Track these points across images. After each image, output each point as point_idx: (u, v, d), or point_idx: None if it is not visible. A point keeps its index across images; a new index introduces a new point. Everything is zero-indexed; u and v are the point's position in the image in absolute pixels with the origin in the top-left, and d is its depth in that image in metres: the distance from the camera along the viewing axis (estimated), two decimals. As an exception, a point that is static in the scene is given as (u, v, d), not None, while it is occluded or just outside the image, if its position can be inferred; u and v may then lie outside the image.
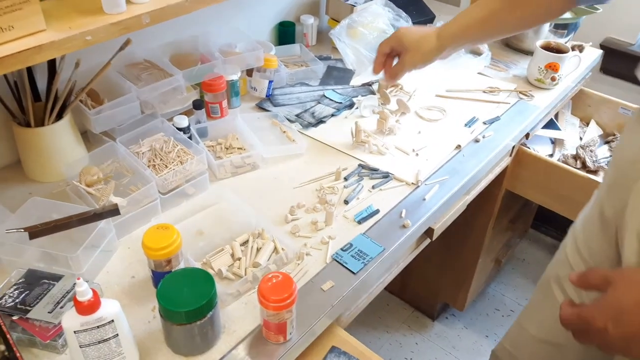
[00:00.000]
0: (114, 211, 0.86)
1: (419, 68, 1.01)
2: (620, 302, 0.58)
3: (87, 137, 1.13)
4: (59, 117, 1.01)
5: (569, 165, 1.51)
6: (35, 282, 0.79)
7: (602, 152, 1.58)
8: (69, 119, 1.02)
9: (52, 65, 0.99)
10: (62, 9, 0.77)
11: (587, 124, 1.71)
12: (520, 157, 1.44)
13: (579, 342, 0.63)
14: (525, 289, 2.01)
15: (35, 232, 0.82)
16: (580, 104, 1.73)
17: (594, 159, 1.53)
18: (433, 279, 1.81)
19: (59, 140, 1.01)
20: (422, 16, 1.66)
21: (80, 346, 0.68)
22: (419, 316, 1.91)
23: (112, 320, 0.68)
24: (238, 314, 0.82)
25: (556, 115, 1.71)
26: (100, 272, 0.87)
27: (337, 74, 1.46)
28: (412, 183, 1.11)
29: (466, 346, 1.82)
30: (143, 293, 0.84)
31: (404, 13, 1.52)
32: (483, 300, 1.96)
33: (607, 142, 1.65)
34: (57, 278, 0.80)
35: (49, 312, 0.75)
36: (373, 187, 1.09)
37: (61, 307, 0.76)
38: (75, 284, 0.65)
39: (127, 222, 0.93)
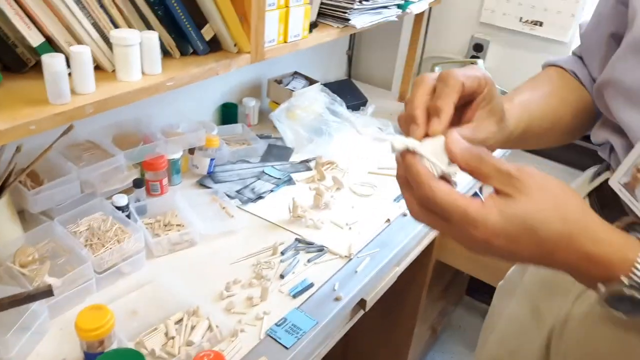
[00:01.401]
0: (47, 292, 0.86)
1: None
2: (531, 222, 0.44)
3: (24, 217, 1.13)
4: (-4, 197, 1.01)
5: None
6: (-41, 369, 0.77)
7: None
8: (6, 199, 1.03)
9: (-8, 147, 1.01)
10: (8, 99, 0.81)
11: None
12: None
13: (420, 221, 0.50)
14: (463, 356, 2.06)
15: (-38, 315, 0.81)
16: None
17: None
18: (372, 350, 1.84)
19: (-6, 220, 1.01)
20: (355, 100, 1.80)
21: None
22: (361, 387, 1.92)
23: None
24: (170, 394, 0.82)
25: (480, 189, 1.85)
26: (30, 355, 0.86)
27: (277, 152, 1.55)
28: (345, 256, 1.17)
29: (408, 417, 1.83)
30: (73, 376, 0.83)
31: (338, 97, 1.65)
32: (423, 368, 2.00)
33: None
34: (-17, 363, 0.78)
35: (-29, 400, 0.73)
36: (308, 261, 1.15)
37: (-15, 394, 0.74)
38: (2, 369, 0.65)
39: (61, 303, 0.93)
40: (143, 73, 0.95)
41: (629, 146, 0.59)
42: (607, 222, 0.48)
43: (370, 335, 1.80)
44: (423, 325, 1.76)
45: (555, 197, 0.46)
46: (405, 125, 0.52)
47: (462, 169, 0.48)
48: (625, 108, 0.60)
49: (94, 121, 1.25)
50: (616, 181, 0.58)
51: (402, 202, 1.38)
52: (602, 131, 0.67)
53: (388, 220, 1.31)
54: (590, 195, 0.69)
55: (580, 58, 0.77)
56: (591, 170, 0.74)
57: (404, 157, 0.49)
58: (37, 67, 0.85)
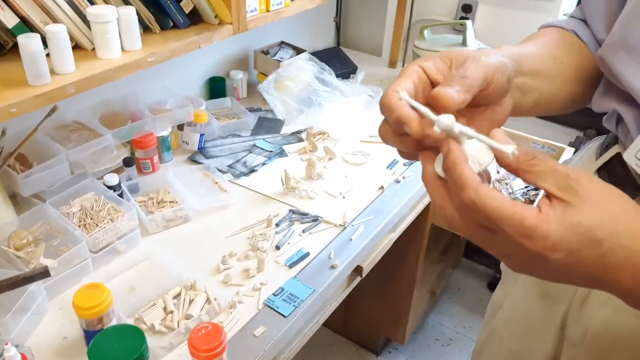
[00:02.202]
0: (44, 273, 0.87)
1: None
2: (595, 233, 0.39)
3: (17, 200, 1.13)
4: (-14, 182, 1.01)
5: (487, 197, 1.63)
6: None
7: (518, 184, 1.72)
8: (-3, 184, 1.03)
9: (-23, 132, 1.00)
10: (-14, 83, 0.80)
11: (503, 158, 1.86)
12: (442, 193, 1.55)
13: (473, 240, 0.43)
14: (462, 317, 2.10)
15: (-39, 301, 0.81)
16: (495, 140, 1.89)
17: (510, 190, 1.67)
18: (373, 315, 1.87)
19: (-14, 206, 1.01)
20: (345, 68, 1.78)
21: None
22: (363, 353, 1.96)
23: (42, 384, 0.69)
24: (171, 366, 0.84)
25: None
26: (31, 335, 0.87)
27: (268, 124, 1.54)
28: (340, 225, 1.18)
29: (410, 378, 1.88)
30: (75, 354, 0.84)
31: (327, 66, 1.63)
32: (423, 331, 2.03)
33: (521, 174, 1.80)
34: (-16, 346, 0.79)
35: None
36: (303, 231, 1.15)
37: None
38: (3, 349, 0.66)
39: (58, 283, 0.94)
40: (123, 50, 0.94)
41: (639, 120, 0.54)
42: None
43: (370, 301, 1.82)
44: (422, 288, 1.78)
45: (621, 206, 0.39)
46: (395, 128, 0.44)
47: (510, 168, 0.40)
48: None
49: (80, 101, 1.24)
50: (633, 155, 0.53)
51: (395, 168, 1.38)
52: (607, 99, 0.61)
53: (381, 187, 1.31)
54: (599, 171, 0.63)
55: (582, 21, 0.69)
56: (596, 143, 0.68)
57: (445, 154, 0.41)
58: (15, 49, 0.84)
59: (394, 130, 0.45)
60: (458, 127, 0.41)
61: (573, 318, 0.65)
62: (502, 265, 0.84)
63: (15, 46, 0.85)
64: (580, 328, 0.63)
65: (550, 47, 0.62)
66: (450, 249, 1.93)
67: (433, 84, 0.46)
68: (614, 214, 0.39)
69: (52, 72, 0.83)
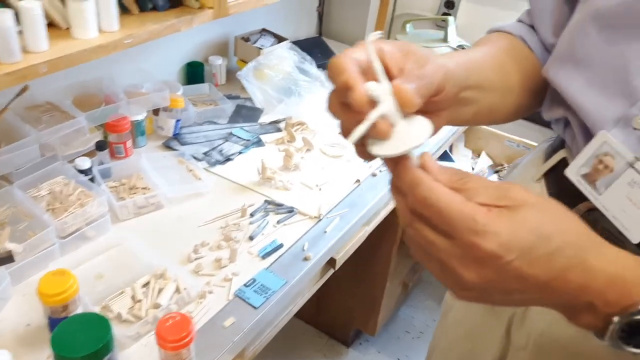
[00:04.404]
0: (7, 259, 0.85)
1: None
2: (543, 229, 0.38)
3: (-17, 182, 1.10)
4: (-50, 162, 0.98)
5: (462, 194, 1.65)
6: None
7: (491, 181, 1.75)
8: (-39, 164, 1.00)
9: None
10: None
11: (479, 156, 1.88)
12: (417, 189, 1.56)
13: (418, 259, 0.44)
14: (433, 311, 2.13)
15: None
16: (472, 137, 1.91)
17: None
18: (345, 306, 1.88)
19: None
20: (326, 58, 1.77)
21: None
22: (334, 344, 1.97)
23: (1, 372, 0.67)
24: (138, 356, 0.83)
25: (450, 148, 1.86)
26: (-7, 322, 0.85)
27: (246, 112, 1.52)
28: (315, 217, 1.17)
29: (380, 370, 1.90)
30: (39, 341, 0.83)
31: (308, 56, 1.62)
32: (394, 324, 2.05)
33: (496, 172, 1.82)
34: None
35: None
36: (278, 222, 1.14)
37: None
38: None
39: (24, 268, 0.91)
40: (100, 30, 0.91)
41: (588, 131, 0.53)
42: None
43: (343, 292, 1.83)
44: (394, 280, 1.79)
45: (559, 208, 0.40)
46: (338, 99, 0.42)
47: None
48: (588, 91, 0.52)
49: (54, 81, 1.20)
50: (575, 171, 0.52)
51: (372, 162, 1.38)
52: (555, 107, 0.60)
53: (358, 180, 1.31)
54: (545, 175, 0.63)
55: (530, 26, 0.68)
56: (545, 145, 0.67)
57: (395, 162, 0.42)
58: (-16, 24, 0.80)
59: (339, 98, 0.42)
60: (383, 109, 0.40)
61: (517, 324, 0.65)
62: None
63: (-15, 22, 0.82)
64: (524, 333, 0.64)
65: (500, 56, 0.60)
66: (424, 244, 1.95)
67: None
68: (555, 214, 0.40)
69: (25, 50, 0.80)
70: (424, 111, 0.44)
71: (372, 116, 0.40)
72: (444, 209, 0.38)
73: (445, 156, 1.75)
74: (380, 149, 0.42)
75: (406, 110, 0.41)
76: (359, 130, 0.41)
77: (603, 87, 0.51)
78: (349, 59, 0.41)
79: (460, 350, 0.79)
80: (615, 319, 0.40)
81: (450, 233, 0.38)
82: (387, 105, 0.41)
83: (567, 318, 0.43)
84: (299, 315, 1.93)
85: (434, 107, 0.46)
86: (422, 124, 0.43)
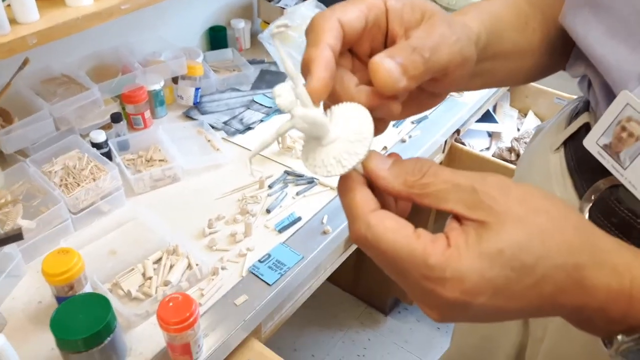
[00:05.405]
0: (16, 236, 0.84)
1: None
2: (525, 259, 0.30)
3: (5, 158, 1.10)
4: (-34, 139, 0.98)
5: (504, 158, 1.53)
6: None
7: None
8: (-23, 141, 1.00)
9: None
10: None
11: (526, 115, 1.74)
12: (453, 153, 1.45)
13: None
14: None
15: None
16: (518, 96, 1.76)
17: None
18: (383, 275, 1.81)
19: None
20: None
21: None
22: (372, 312, 1.93)
23: None
24: (146, 335, 0.81)
25: (495, 108, 1.73)
26: (6, 299, 0.85)
27: (270, 78, 1.45)
28: (336, 188, 1.11)
29: (418, 340, 1.84)
30: (48, 318, 0.82)
31: (334, 13, 1.51)
32: (435, 292, 1.98)
33: (544, 133, 1.68)
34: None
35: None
36: (297, 194, 1.09)
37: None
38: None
39: (37, 244, 0.91)
40: (95, -4, 0.87)
41: (610, 91, 0.44)
42: (612, 234, 0.34)
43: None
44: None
45: (547, 214, 0.31)
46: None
47: (401, 197, 0.33)
48: (609, 41, 0.44)
49: (69, 52, 1.18)
50: (594, 142, 0.44)
51: (402, 127, 1.29)
52: (578, 63, 0.51)
53: (385, 147, 1.22)
54: (565, 143, 0.54)
55: None
56: (570, 107, 0.58)
57: (342, 179, 0.34)
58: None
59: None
60: (299, 112, 0.32)
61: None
62: None
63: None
64: (540, 326, 0.58)
65: (523, 7, 0.49)
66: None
67: (388, 35, 0.36)
68: (542, 228, 0.30)
69: (13, 21, 0.77)
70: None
71: (268, 141, 0.34)
72: (390, 252, 0.30)
73: (487, 116, 1.62)
74: (314, 166, 0.35)
75: (383, 92, 0.33)
76: (252, 155, 0.37)
77: (627, 36, 0.41)
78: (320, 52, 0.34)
79: (482, 334, 0.74)
80: (619, 337, 0.32)
81: (405, 276, 0.31)
82: (296, 120, 0.33)
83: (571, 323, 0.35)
84: (337, 283, 1.90)
85: (432, 88, 0.37)
86: (361, 121, 0.33)
